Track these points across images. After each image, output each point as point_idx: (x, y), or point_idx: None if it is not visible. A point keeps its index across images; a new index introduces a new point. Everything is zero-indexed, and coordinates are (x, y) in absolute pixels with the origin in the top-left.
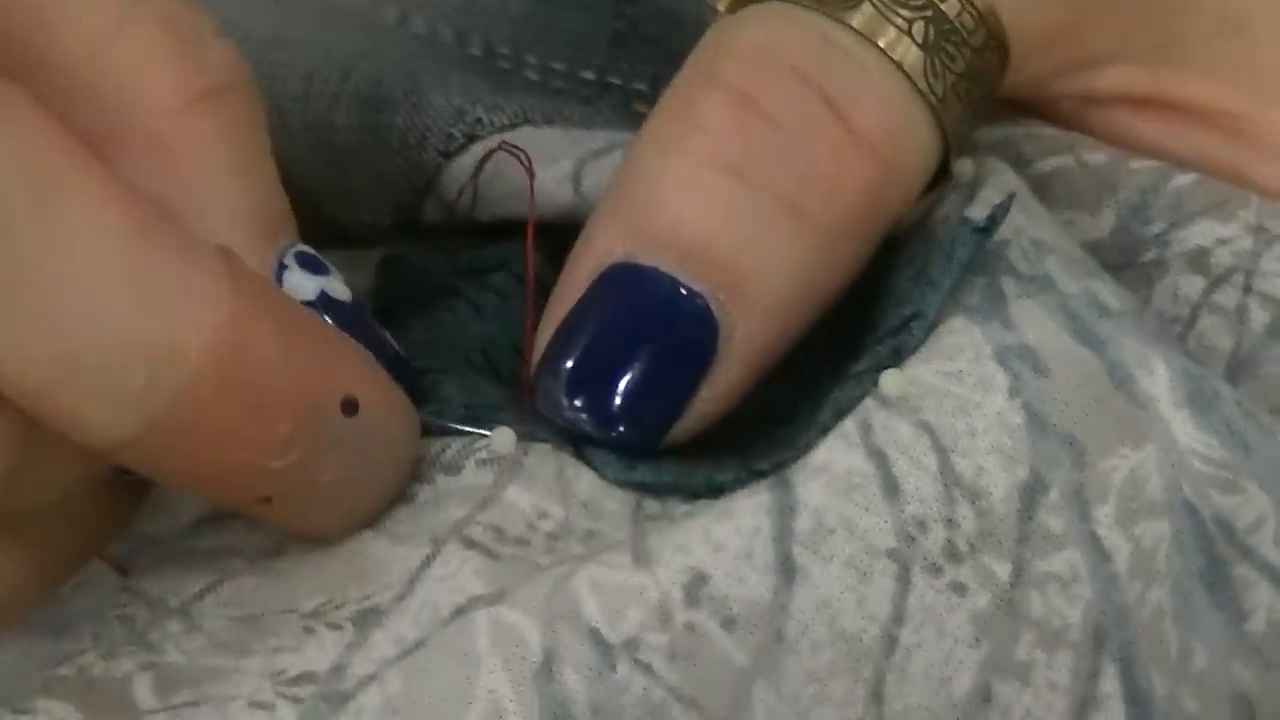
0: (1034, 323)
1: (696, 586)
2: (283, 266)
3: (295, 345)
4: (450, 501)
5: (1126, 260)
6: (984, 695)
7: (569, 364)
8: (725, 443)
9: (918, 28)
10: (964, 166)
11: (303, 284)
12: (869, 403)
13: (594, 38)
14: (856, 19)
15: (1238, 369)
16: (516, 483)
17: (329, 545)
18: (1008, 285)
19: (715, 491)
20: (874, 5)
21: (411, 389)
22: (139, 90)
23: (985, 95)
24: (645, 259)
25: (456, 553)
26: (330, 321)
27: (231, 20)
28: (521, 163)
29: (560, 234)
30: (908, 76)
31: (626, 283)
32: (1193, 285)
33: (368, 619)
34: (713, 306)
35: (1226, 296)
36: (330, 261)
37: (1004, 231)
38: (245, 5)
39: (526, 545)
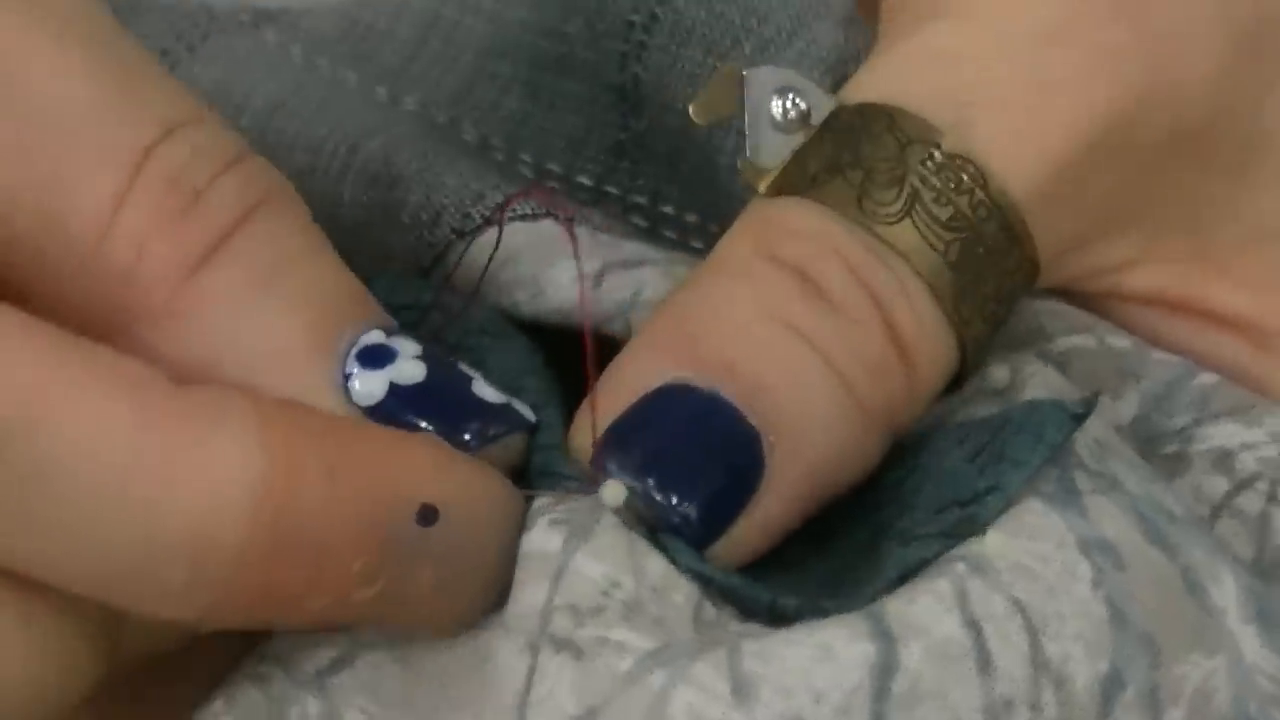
0: (1109, 519)
1: None
2: (346, 376)
3: (349, 474)
4: (528, 570)
5: (1149, 450)
6: None
7: (639, 453)
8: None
9: (954, 250)
10: (1000, 373)
11: (369, 387)
12: (960, 569)
13: (594, 144)
14: (895, 235)
15: (1261, 578)
16: (585, 550)
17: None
18: (1080, 479)
19: (776, 616)
20: (915, 225)
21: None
22: (147, 264)
23: (1009, 310)
24: (702, 383)
25: (551, 662)
26: (408, 413)
27: (230, 83)
28: (556, 218)
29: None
30: (937, 301)
31: (689, 398)
32: (1216, 486)
33: None
34: (763, 442)
35: (1250, 502)
36: (392, 318)
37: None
38: (246, 68)
39: (601, 615)
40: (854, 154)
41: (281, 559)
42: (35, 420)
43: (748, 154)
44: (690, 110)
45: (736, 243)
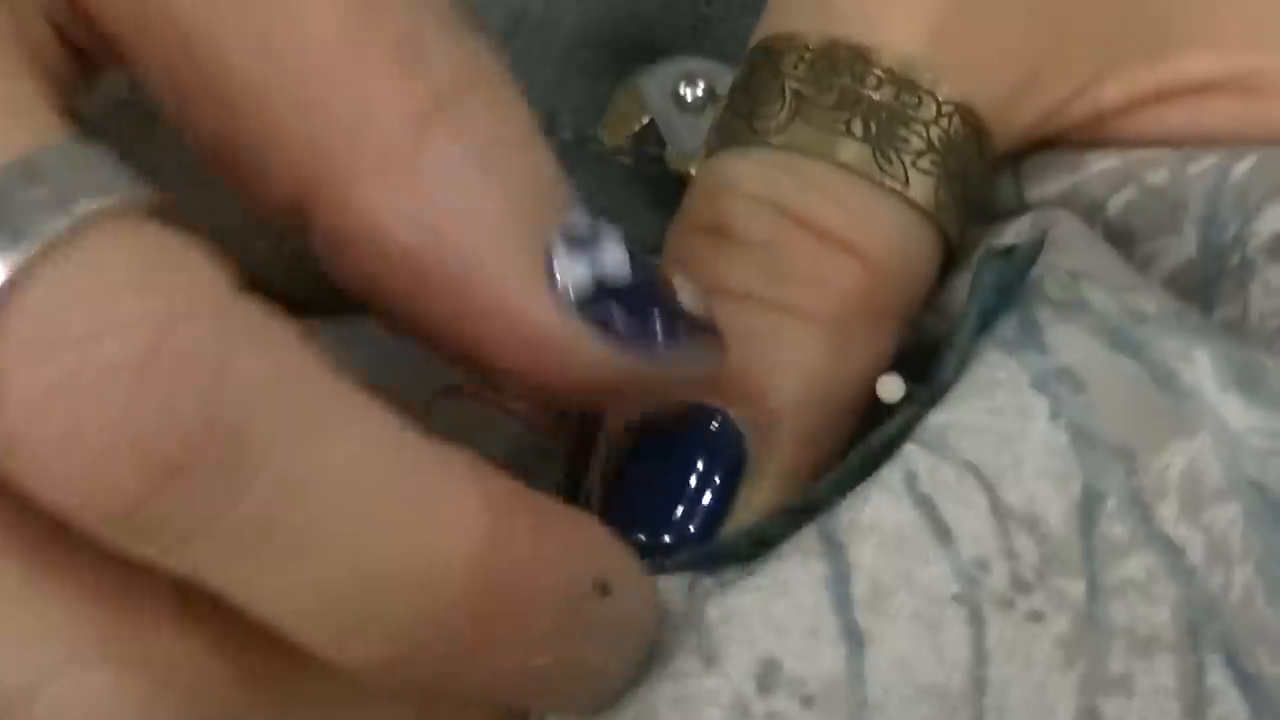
0: (1070, 344)
1: (769, 674)
2: (549, 259)
3: (549, 535)
4: None
5: (1218, 270)
6: (1091, 715)
7: (619, 500)
8: None
9: (856, 126)
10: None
11: (576, 272)
12: (909, 450)
13: None
14: (795, 139)
15: None
16: None
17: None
18: (1042, 314)
19: (760, 544)
20: (806, 121)
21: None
22: (375, 114)
23: (966, 163)
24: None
25: None
26: (618, 320)
27: None
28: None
29: None
30: (860, 173)
31: (655, 416)
32: (1277, 274)
33: None
34: (732, 419)
35: None
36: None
37: (1038, 268)
38: None
39: None
40: (742, 92)
41: (485, 611)
42: (308, 424)
43: (670, 150)
44: (601, 136)
45: (669, 239)
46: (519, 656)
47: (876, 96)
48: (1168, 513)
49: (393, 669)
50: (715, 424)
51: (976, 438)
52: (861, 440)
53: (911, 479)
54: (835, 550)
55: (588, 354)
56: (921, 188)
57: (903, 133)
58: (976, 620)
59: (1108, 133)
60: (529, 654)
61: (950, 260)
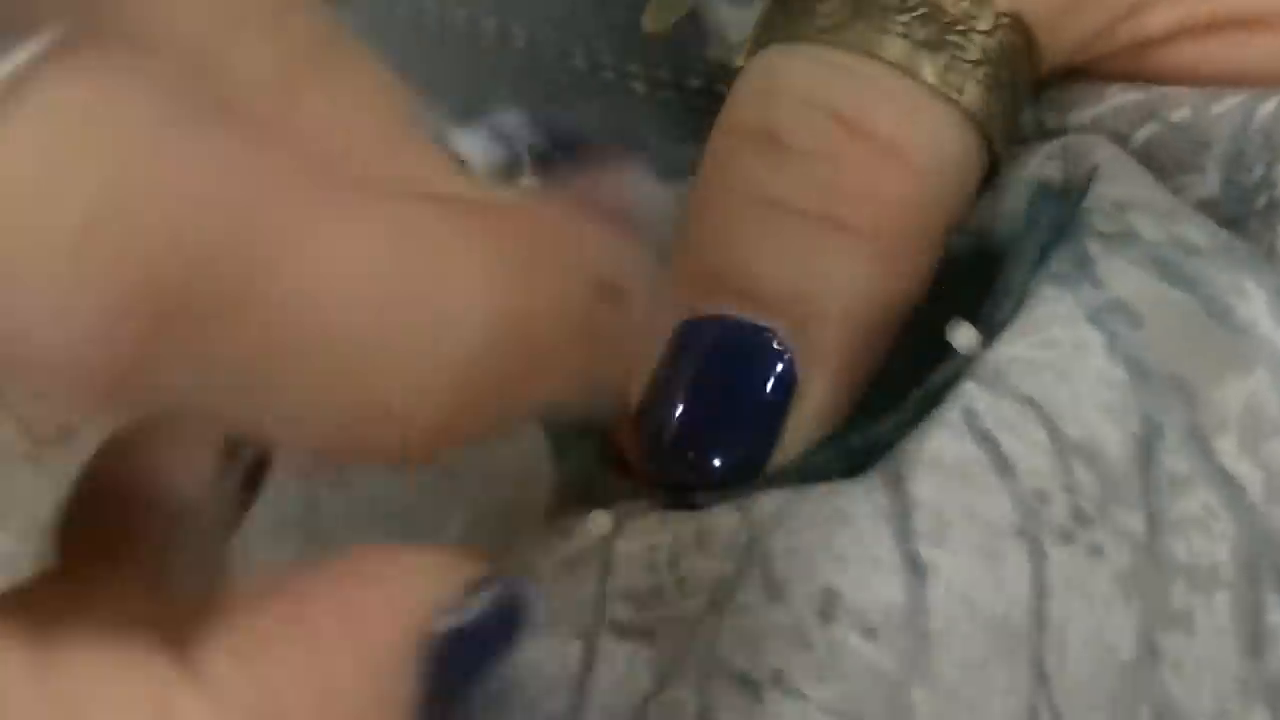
0: (1122, 277)
1: (830, 605)
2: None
3: (557, 252)
4: (562, 565)
5: (1244, 211)
6: (1151, 652)
7: (669, 423)
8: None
9: (915, 30)
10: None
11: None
12: (969, 387)
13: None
14: (851, 37)
15: None
16: (621, 535)
17: None
18: (1093, 247)
19: (810, 477)
20: (867, 21)
21: None
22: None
23: (1016, 75)
24: (710, 309)
25: (615, 648)
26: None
27: None
28: None
29: None
30: (917, 78)
31: (700, 335)
32: None
33: None
34: (782, 337)
35: None
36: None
37: (1085, 200)
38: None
39: (660, 593)
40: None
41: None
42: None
43: (715, 42)
44: (644, 23)
45: (713, 140)
46: (554, 377)
47: (938, 4)
48: (1227, 447)
49: (441, 415)
50: (762, 341)
51: (1034, 373)
52: (917, 378)
53: (971, 415)
54: (896, 483)
55: None
56: (975, 97)
57: (960, 40)
58: (1037, 553)
59: (1146, 63)
60: (560, 372)
61: (993, 171)
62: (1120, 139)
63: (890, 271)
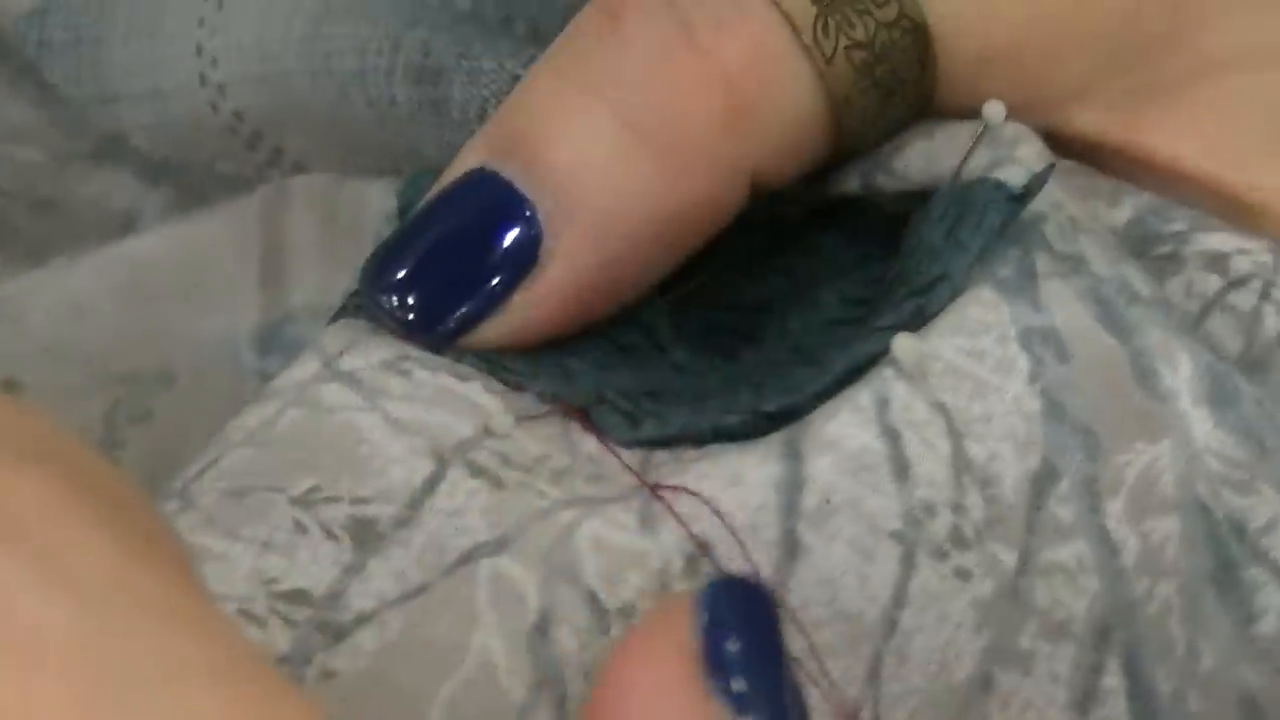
0: (1062, 305)
1: (698, 557)
2: None
3: None
4: (453, 406)
5: (1139, 251)
6: (984, 683)
7: (386, 258)
8: (743, 382)
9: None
10: (994, 109)
11: None
12: (887, 375)
13: None
14: None
15: (1247, 371)
16: (523, 428)
17: (321, 417)
18: (1041, 261)
19: (723, 436)
20: None
21: None
22: None
23: (897, 80)
24: (495, 167)
25: (463, 481)
26: None
27: None
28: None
29: None
30: (790, 23)
31: (465, 189)
32: (1209, 283)
33: (365, 535)
34: (539, 214)
35: (1242, 299)
36: None
37: (1041, 203)
38: None
39: (530, 474)
40: None
41: None
42: None
43: None
44: None
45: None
46: None
47: None
48: (1114, 509)
49: None
50: (515, 205)
51: (955, 381)
52: (840, 346)
53: (883, 405)
54: (793, 457)
55: None
56: (840, 75)
57: (852, 17)
58: (907, 562)
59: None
60: None
61: (836, 155)
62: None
63: (674, 190)
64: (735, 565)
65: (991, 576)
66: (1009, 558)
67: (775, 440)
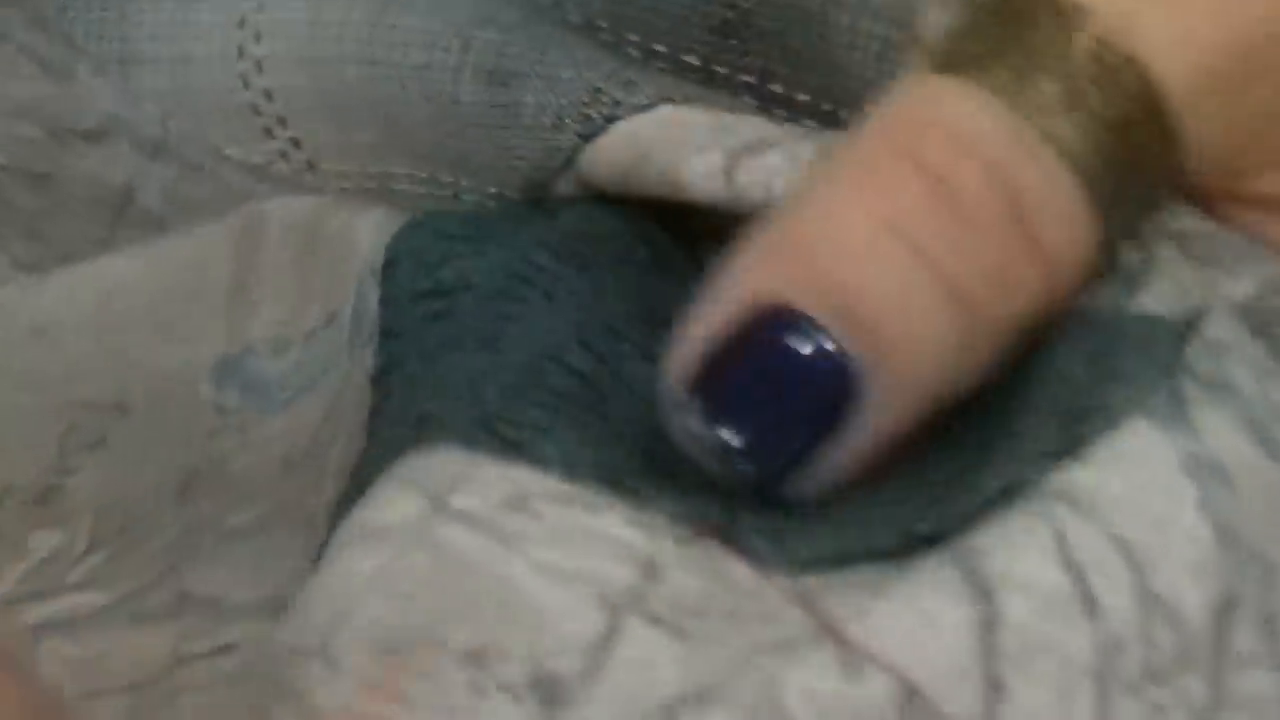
0: (1217, 432)
1: (908, 700)
2: None
3: None
4: (600, 548)
5: (1260, 329)
6: None
7: (711, 393)
8: (871, 503)
9: (1107, 148)
10: (1128, 253)
11: None
12: (1063, 511)
13: (698, 24)
14: (1057, 131)
15: None
16: (675, 563)
17: (455, 564)
18: (1189, 389)
19: (874, 557)
20: (1074, 120)
21: None
22: None
23: (1149, 215)
24: (802, 305)
25: (643, 633)
26: None
27: None
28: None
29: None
30: (1089, 202)
31: (780, 325)
32: None
33: (553, 693)
34: (858, 368)
35: None
36: None
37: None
38: None
39: (706, 618)
40: (1017, 37)
41: None
42: None
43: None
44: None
45: (874, 137)
46: None
47: (1137, 131)
48: None
49: None
50: (837, 363)
51: (1127, 512)
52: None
53: (1061, 540)
54: (985, 596)
55: None
56: (1118, 235)
57: (1136, 177)
58: (1104, 699)
59: (1216, 212)
60: None
61: None
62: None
63: (980, 359)
64: (948, 707)
65: (1185, 710)
66: (1200, 691)
67: (949, 575)
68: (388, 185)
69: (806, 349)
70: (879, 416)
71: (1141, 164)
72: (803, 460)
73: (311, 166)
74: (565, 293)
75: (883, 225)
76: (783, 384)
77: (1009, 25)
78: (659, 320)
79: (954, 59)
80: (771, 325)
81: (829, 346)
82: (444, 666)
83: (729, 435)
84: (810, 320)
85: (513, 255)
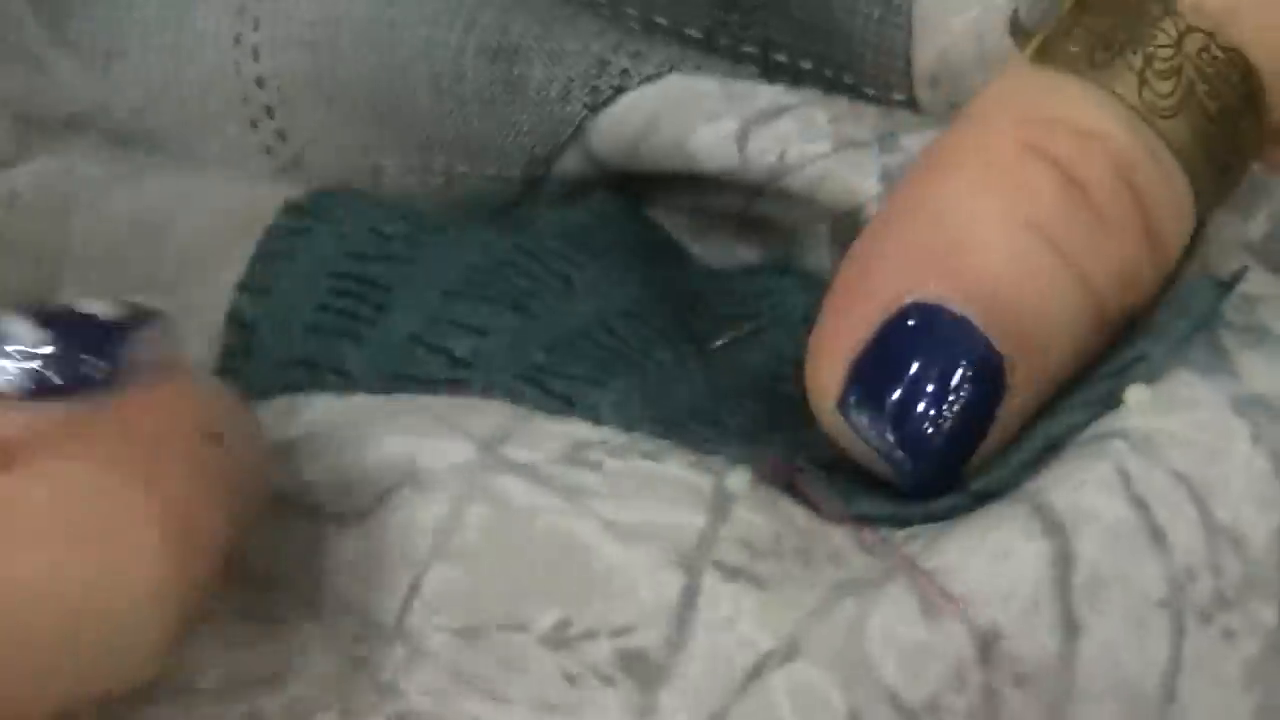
0: (1259, 372)
1: (990, 645)
2: None
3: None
4: (667, 494)
5: (1273, 268)
6: None
7: (893, 398)
8: None
9: (1215, 145)
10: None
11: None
12: (1122, 447)
13: None
14: (1173, 132)
15: None
16: (739, 502)
17: (519, 521)
18: (1227, 339)
19: (931, 519)
20: (1188, 120)
21: None
22: None
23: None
24: (953, 305)
25: (721, 589)
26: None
27: None
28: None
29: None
30: (1197, 199)
31: (938, 326)
32: None
33: (645, 670)
34: (1008, 367)
35: None
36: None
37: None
38: None
39: (781, 560)
40: (1130, 33)
41: None
42: None
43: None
44: None
45: (1001, 131)
46: None
47: (1238, 128)
48: None
49: None
50: (993, 364)
51: (1186, 449)
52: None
53: (1125, 476)
54: (1057, 530)
55: None
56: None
57: (1234, 172)
58: (1177, 628)
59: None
60: None
61: None
62: None
63: (1101, 348)
64: (1026, 648)
65: (1256, 635)
66: (1270, 615)
67: (1018, 511)
68: (377, 178)
69: (962, 351)
70: (1015, 411)
71: (1238, 150)
72: (956, 453)
73: (297, 160)
74: (581, 281)
75: (1023, 225)
76: (937, 383)
77: (1115, 16)
78: (672, 307)
79: (1067, 53)
80: (928, 326)
81: (983, 349)
82: (530, 653)
83: (887, 432)
84: (964, 322)
85: (521, 240)
